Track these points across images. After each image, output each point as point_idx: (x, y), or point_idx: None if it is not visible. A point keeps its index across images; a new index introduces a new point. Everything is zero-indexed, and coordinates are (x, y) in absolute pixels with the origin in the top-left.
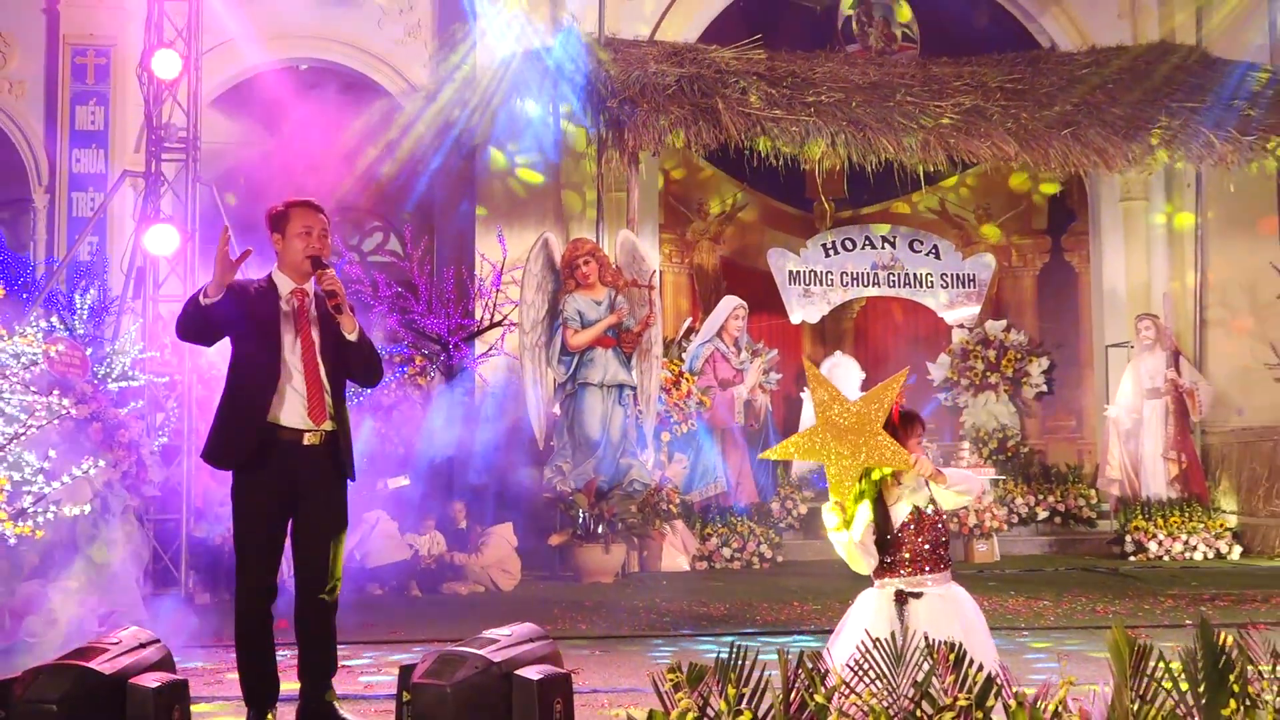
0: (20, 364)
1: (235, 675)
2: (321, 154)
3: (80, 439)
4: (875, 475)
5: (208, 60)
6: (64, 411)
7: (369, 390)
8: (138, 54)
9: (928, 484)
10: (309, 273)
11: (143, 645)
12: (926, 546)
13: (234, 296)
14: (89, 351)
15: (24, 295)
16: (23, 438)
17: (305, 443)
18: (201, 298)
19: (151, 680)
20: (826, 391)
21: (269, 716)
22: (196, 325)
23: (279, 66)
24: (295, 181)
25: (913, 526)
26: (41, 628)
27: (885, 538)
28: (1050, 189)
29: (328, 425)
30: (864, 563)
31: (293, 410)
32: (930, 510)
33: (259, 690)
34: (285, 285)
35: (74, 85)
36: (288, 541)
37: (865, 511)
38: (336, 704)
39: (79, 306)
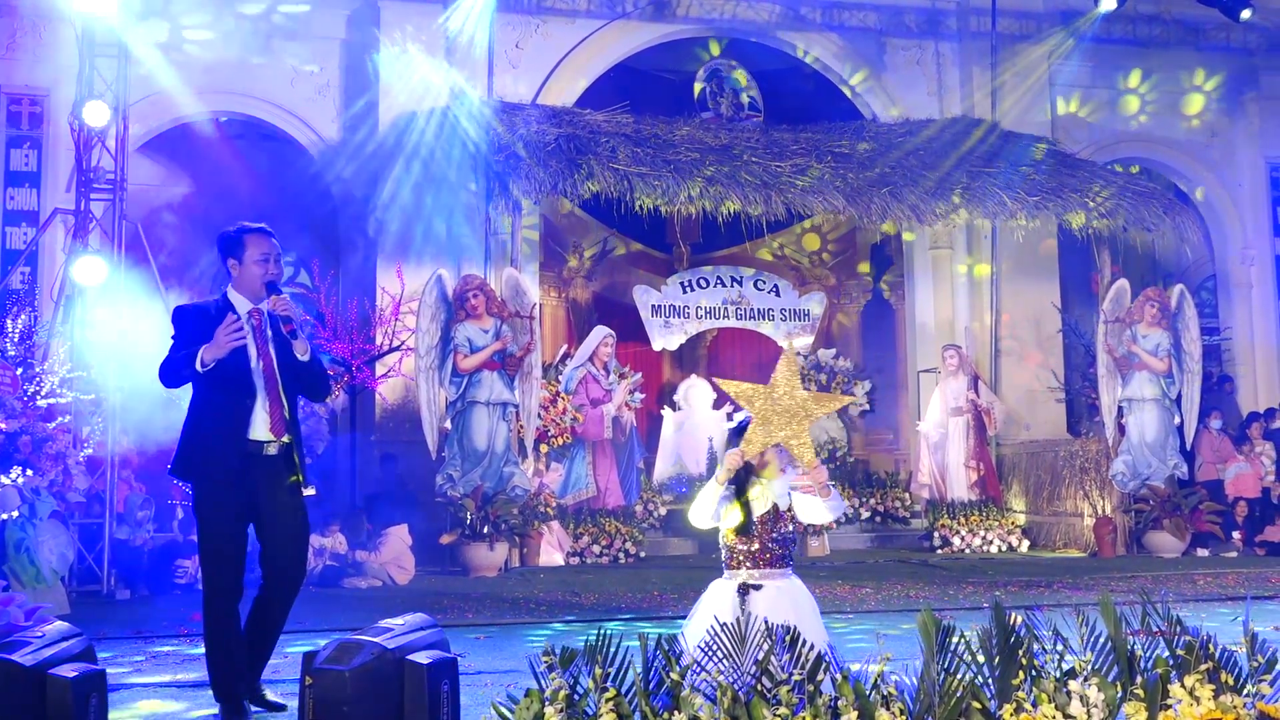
0: None
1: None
2: (237, 196)
3: (10, 450)
4: (757, 475)
5: (135, 110)
6: None
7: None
8: (70, 103)
9: (791, 493)
10: (263, 294)
11: (66, 639)
12: (774, 543)
13: (203, 326)
14: (19, 371)
15: None
16: None
17: (265, 453)
18: (199, 366)
19: (70, 671)
20: (789, 370)
21: (244, 706)
22: (185, 379)
23: (201, 117)
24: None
25: (768, 524)
26: None
27: (745, 528)
28: (873, 238)
29: (286, 438)
30: (705, 515)
31: (259, 424)
32: (786, 511)
33: (232, 684)
34: (243, 305)
35: (9, 130)
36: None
37: (730, 494)
38: (263, 688)
39: (10, 330)
